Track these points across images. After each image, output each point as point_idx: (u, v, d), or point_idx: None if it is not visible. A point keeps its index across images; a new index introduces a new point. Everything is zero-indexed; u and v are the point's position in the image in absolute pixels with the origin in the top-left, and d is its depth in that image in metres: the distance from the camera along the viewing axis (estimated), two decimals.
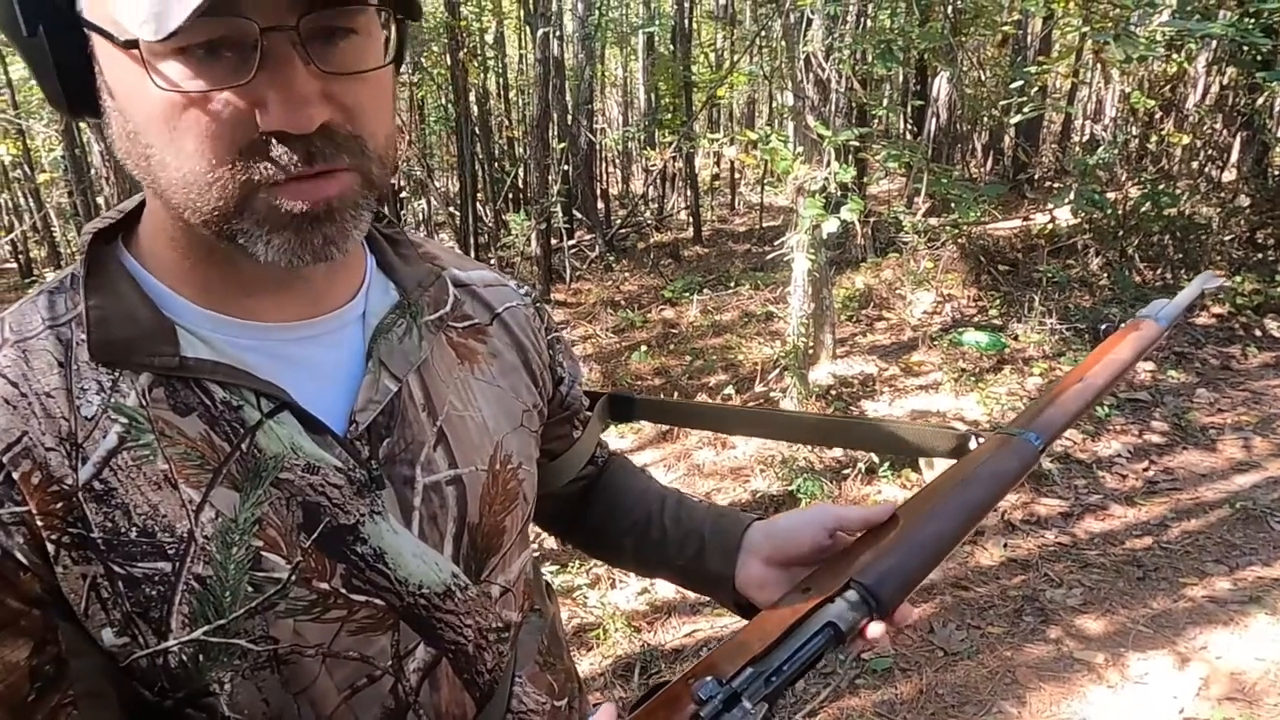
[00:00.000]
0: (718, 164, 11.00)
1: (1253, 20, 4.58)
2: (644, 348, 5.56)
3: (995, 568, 3.05)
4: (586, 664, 2.69)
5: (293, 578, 0.59)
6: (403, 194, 8.22)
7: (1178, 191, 5.72)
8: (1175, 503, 3.38)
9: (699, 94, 8.89)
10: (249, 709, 0.60)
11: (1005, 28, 6.55)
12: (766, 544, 0.79)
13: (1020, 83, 4.93)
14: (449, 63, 6.87)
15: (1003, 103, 5.50)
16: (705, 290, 6.68)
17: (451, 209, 7.66)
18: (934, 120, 7.34)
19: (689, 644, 2.75)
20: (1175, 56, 5.58)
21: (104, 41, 0.50)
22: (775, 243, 4.66)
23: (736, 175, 11.17)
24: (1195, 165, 6.25)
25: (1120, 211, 5.68)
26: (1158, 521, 3.27)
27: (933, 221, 5.97)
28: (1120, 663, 2.53)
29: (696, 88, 9.00)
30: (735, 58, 9.08)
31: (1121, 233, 5.68)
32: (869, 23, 6.14)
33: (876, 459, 3.63)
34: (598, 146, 9.58)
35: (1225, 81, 6.05)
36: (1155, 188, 5.55)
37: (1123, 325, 0.89)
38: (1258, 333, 4.90)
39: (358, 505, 0.62)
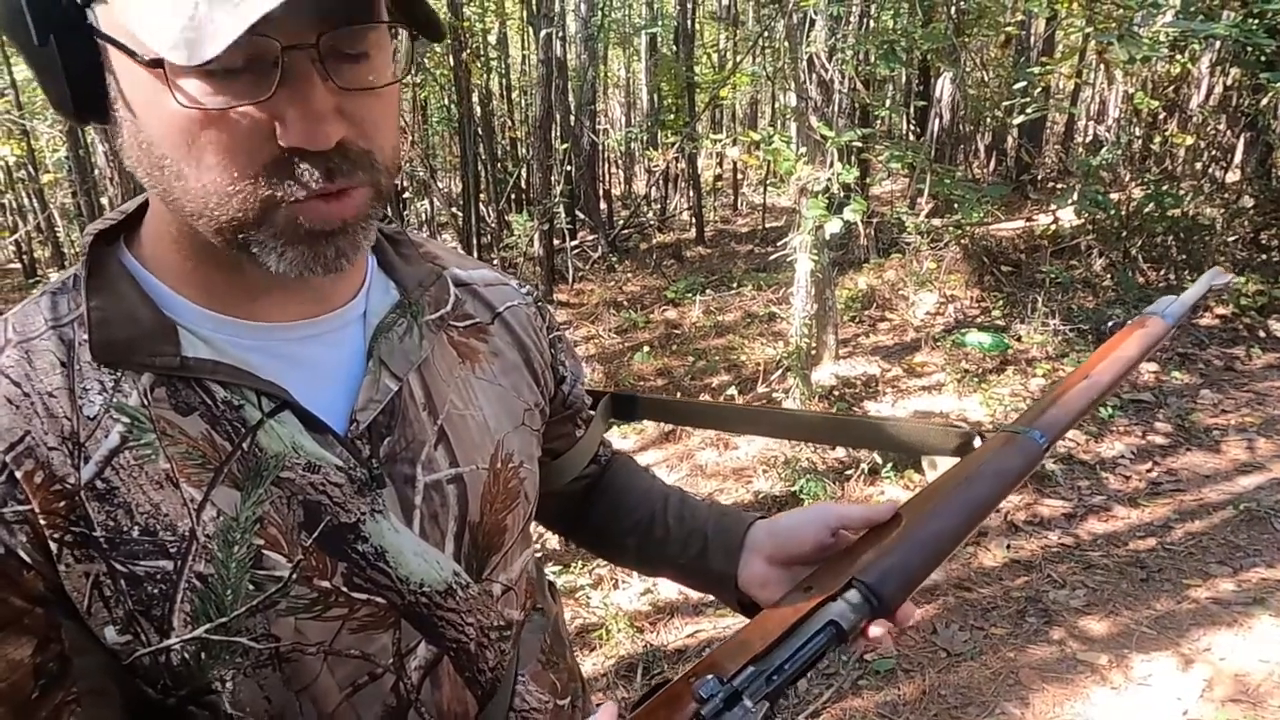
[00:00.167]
0: (720, 165, 11.00)
1: (1256, 21, 4.58)
2: (647, 348, 5.56)
3: (998, 569, 3.05)
4: (589, 664, 2.69)
5: (294, 576, 0.59)
6: (405, 194, 8.23)
7: (1181, 192, 5.71)
8: (1179, 504, 3.37)
9: (702, 95, 8.89)
10: (251, 707, 0.60)
11: (1008, 28, 6.54)
12: (769, 542, 0.79)
13: (1023, 83, 4.93)
14: (452, 63, 6.87)
15: (1006, 103, 5.50)
16: (708, 291, 6.68)
17: (454, 209, 7.67)
18: (937, 121, 7.33)
19: (692, 644, 2.75)
20: (1179, 57, 5.58)
21: (120, 54, 0.50)
22: (778, 243, 4.66)
23: (739, 176, 11.17)
24: (1199, 166, 6.24)
25: (1123, 212, 5.67)
26: (1161, 523, 3.26)
27: (936, 222, 5.96)
28: (1124, 664, 2.53)
29: (699, 88, 9.00)
30: (738, 58, 9.08)
31: (1125, 234, 5.67)
32: (872, 23, 6.14)
33: (880, 460, 3.63)
34: (600, 147, 9.59)
35: (1229, 82, 6.04)
36: (1159, 189, 5.54)
37: (1129, 323, 0.88)
38: (1261, 334, 4.89)
39: (358, 504, 0.62)
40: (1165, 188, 5.61)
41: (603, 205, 9.29)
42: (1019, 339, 4.88)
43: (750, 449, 3.96)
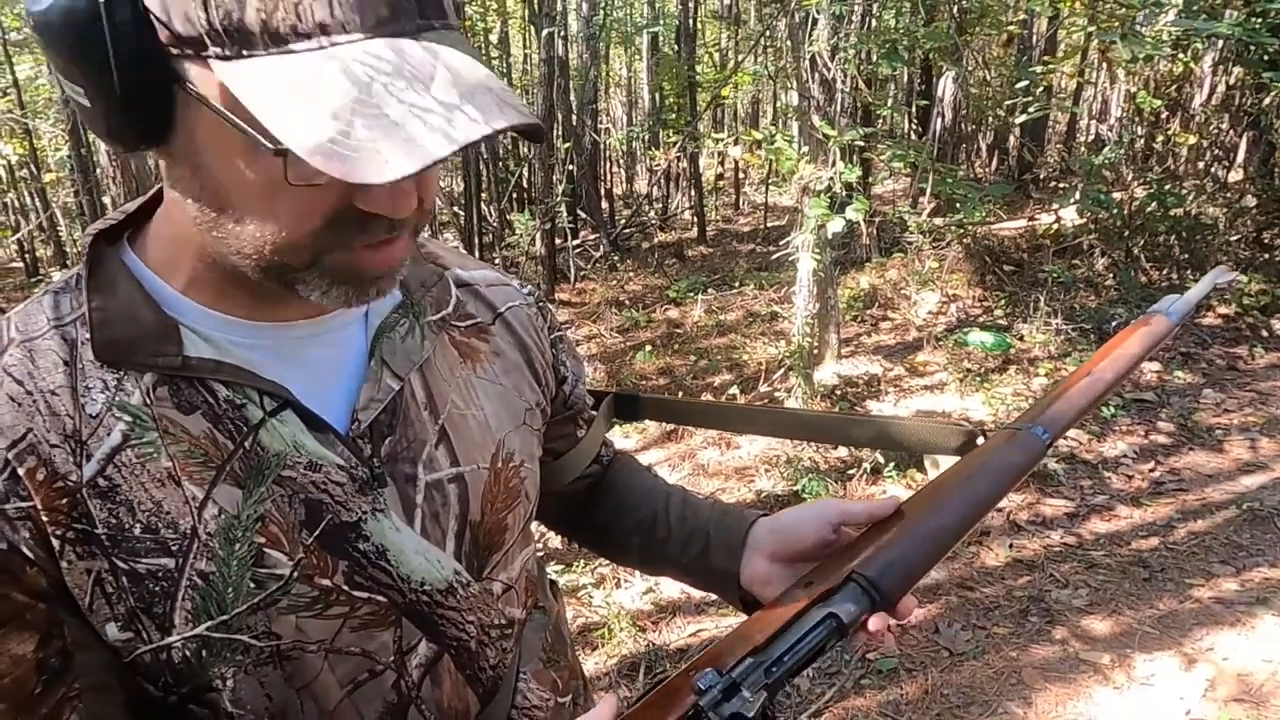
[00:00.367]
0: (722, 164, 10.99)
1: (1260, 20, 4.57)
2: (648, 347, 5.56)
3: (1001, 568, 3.05)
4: (591, 663, 2.69)
5: (295, 574, 0.59)
6: None
7: (1184, 192, 5.70)
8: (1181, 503, 3.37)
9: (703, 94, 8.88)
10: (251, 704, 0.61)
11: (1010, 27, 6.54)
12: (771, 540, 0.79)
13: (1025, 82, 4.92)
14: None
15: (1008, 102, 5.49)
16: (710, 290, 6.68)
17: (456, 209, 7.67)
18: (939, 120, 7.32)
19: (694, 643, 2.75)
20: (1181, 56, 5.57)
21: (209, 112, 0.48)
22: (780, 242, 4.66)
23: (741, 175, 11.16)
24: (1201, 165, 6.24)
25: (1126, 212, 5.67)
26: (1164, 522, 3.26)
27: (938, 221, 5.96)
28: (1126, 664, 2.52)
29: (701, 87, 8.99)
30: (740, 57, 9.07)
31: (1127, 233, 5.66)
32: (874, 22, 6.13)
33: (882, 459, 3.63)
34: (602, 146, 9.59)
35: (1231, 81, 6.04)
36: (1161, 188, 5.53)
37: (1133, 321, 0.88)
38: (1264, 333, 4.88)
39: (360, 503, 0.62)
40: (1168, 187, 5.61)
41: (604, 204, 9.29)
42: (1021, 338, 4.87)
43: (752, 448, 3.96)
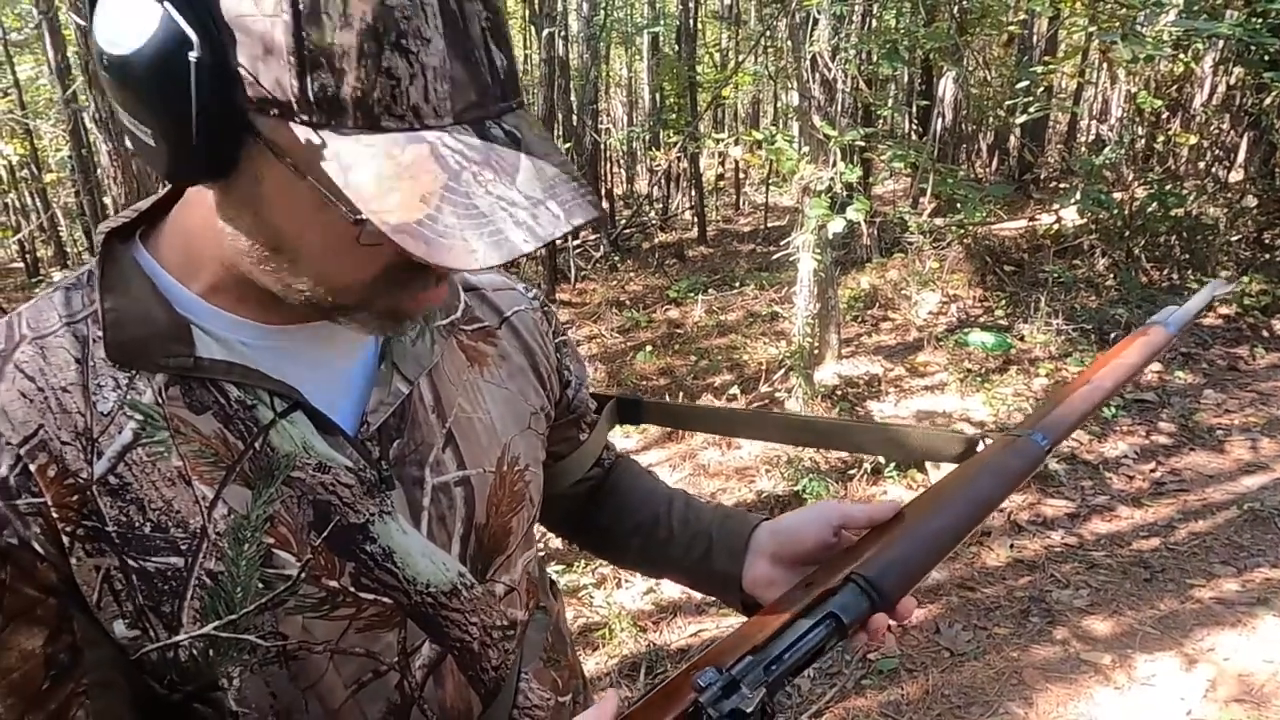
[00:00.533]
0: (722, 164, 10.99)
1: (1260, 20, 4.57)
2: (649, 348, 5.56)
3: (1002, 568, 3.05)
4: (592, 664, 2.70)
5: (302, 575, 0.60)
6: None
7: (1184, 192, 5.70)
8: (1182, 504, 3.37)
9: (704, 94, 8.88)
10: (256, 703, 0.61)
11: (1011, 27, 6.54)
12: (772, 542, 0.79)
13: (1026, 83, 4.92)
14: None
15: (1008, 103, 5.49)
16: (710, 290, 6.68)
17: None
18: (939, 120, 7.32)
19: (694, 643, 2.75)
20: (1182, 56, 5.56)
21: (285, 167, 0.49)
22: (780, 243, 4.66)
23: (741, 175, 11.17)
24: (1202, 165, 6.24)
25: (1126, 212, 5.66)
26: (1165, 523, 3.26)
27: (938, 222, 5.96)
28: (1127, 664, 2.53)
29: (701, 88, 8.99)
30: (740, 58, 9.07)
31: (1128, 233, 5.66)
32: (875, 23, 6.13)
33: (883, 459, 3.63)
34: (602, 147, 9.59)
35: (1232, 81, 6.04)
36: (1162, 188, 5.54)
37: (1132, 330, 0.89)
38: (1265, 333, 4.88)
39: (367, 505, 0.62)
40: (1168, 187, 5.61)
41: (605, 204, 9.29)
42: (1022, 339, 4.87)
43: (753, 448, 3.96)
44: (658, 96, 9.97)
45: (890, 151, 5.09)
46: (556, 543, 3.28)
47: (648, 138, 10.44)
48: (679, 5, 9.16)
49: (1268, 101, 5.77)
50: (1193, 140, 6.09)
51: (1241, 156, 6.41)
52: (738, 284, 6.73)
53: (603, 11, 8.77)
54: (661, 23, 9.92)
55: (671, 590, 2.99)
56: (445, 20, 0.46)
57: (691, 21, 9.07)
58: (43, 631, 0.54)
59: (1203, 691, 2.40)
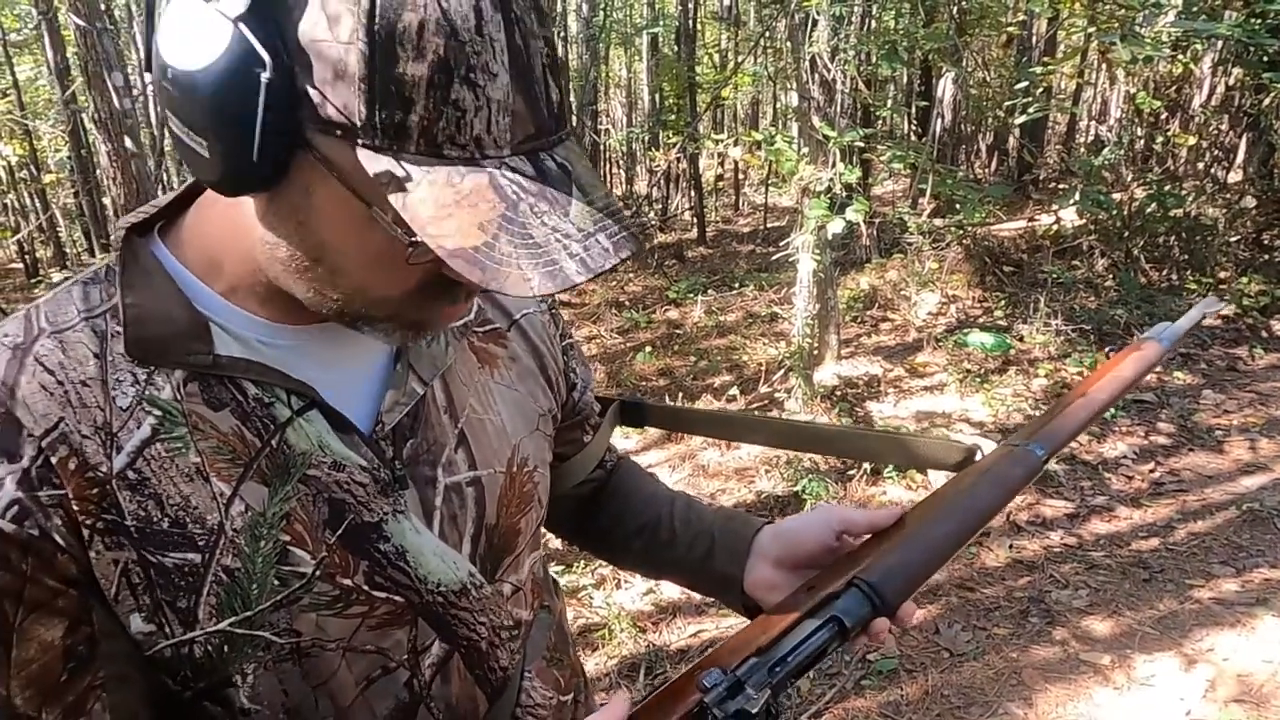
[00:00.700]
0: (722, 165, 11.00)
1: (1259, 21, 4.58)
2: (648, 348, 5.57)
3: (1001, 569, 3.05)
4: (592, 664, 2.70)
5: (317, 573, 0.60)
6: None
7: (1183, 192, 5.71)
8: (1181, 504, 3.37)
9: (703, 95, 8.88)
10: (268, 700, 0.61)
11: (1010, 28, 6.54)
12: (775, 546, 0.80)
13: (1025, 83, 4.92)
14: None
15: (1007, 103, 5.49)
16: (710, 291, 6.68)
17: None
18: (939, 121, 7.33)
19: (694, 644, 2.75)
20: (1181, 57, 5.57)
21: (339, 185, 0.50)
22: (780, 243, 4.66)
23: (741, 176, 11.17)
24: (1201, 166, 6.24)
25: (1125, 213, 5.67)
26: (1164, 523, 3.26)
27: (937, 222, 5.96)
28: (1126, 664, 2.53)
29: (701, 88, 8.99)
30: (739, 58, 9.07)
31: (1127, 234, 5.67)
32: (874, 23, 6.14)
33: (878, 462, 3.63)
34: (602, 147, 9.59)
35: (1231, 82, 6.04)
36: (1161, 189, 5.54)
37: (1126, 345, 0.92)
38: (1264, 334, 4.89)
39: (381, 504, 0.63)
40: (1167, 188, 5.61)
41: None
42: (1021, 339, 4.88)
43: (752, 449, 3.96)
44: (657, 97, 9.97)
45: (889, 152, 5.09)
46: (556, 543, 3.28)
47: (647, 138, 10.43)
48: (678, 6, 9.16)
49: (1266, 102, 5.78)
50: (1191, 141, 6.09)
51: (1240, 157, 6.42)
52: (737, 285, 6.73)
53: (602, 12, 8.78)
54: (661, 23, 9.92)
55: (671, 591, 2.99)
56: (511, 55, 0.48)
57: (691, 22, 9.07)
58: (62, 623, 0.54)
59: (1202, 692, 2.40)
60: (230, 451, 0.58)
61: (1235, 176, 6.41)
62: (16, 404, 0.54)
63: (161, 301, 0.58)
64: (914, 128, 8.62)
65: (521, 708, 0.76)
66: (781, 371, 4.56)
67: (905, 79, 9.35)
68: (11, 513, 0.52)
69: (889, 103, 7.55)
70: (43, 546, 0.53)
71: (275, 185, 0.51)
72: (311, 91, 0.47)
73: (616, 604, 2.95)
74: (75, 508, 0.54)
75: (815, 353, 4.42)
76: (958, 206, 5.01)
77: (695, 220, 8.90)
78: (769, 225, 8.90)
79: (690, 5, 8.91)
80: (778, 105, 11.71)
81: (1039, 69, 4.95)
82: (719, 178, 11.16)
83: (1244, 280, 5.25)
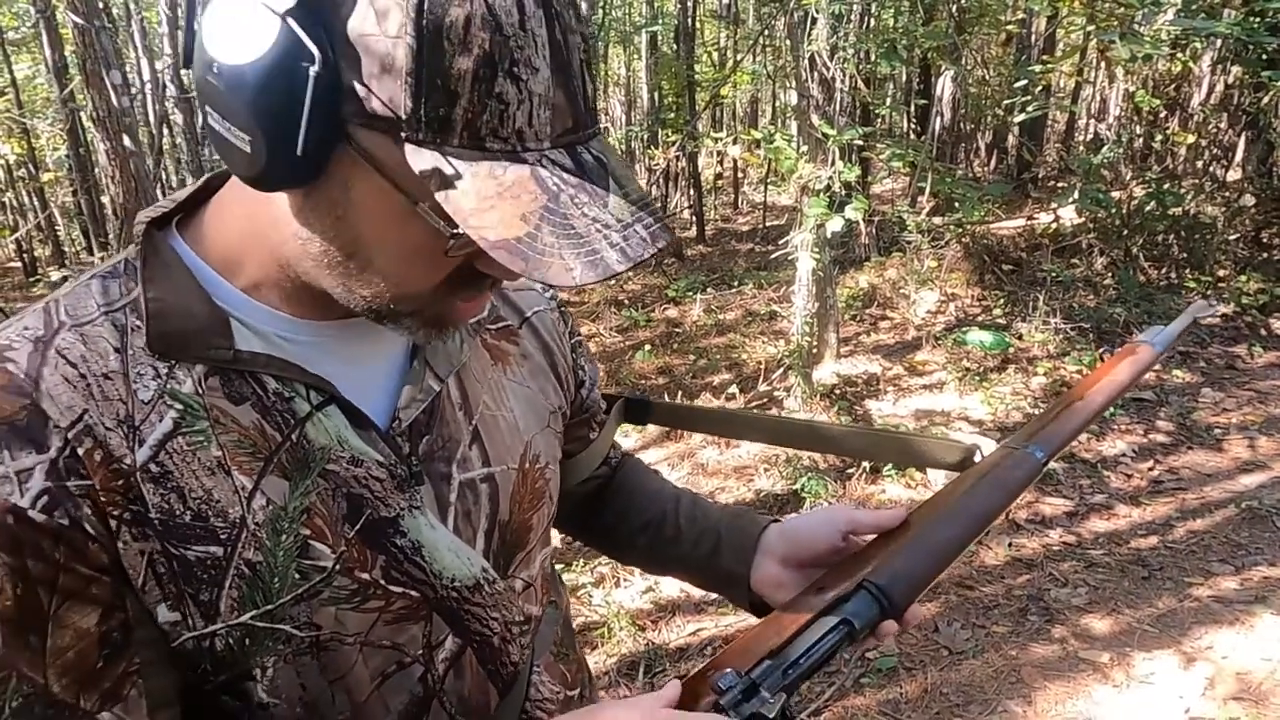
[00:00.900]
0: (721, 163, 11.00)
1: (1258, 19, 4.58)
2: (647, 347, 5.57)
3: (1000, 567, 3.05)
4: (591, 663, 2.70)
5: (337, 567, 0.61)
6: None
7: (1182, 191, 5.71)
8: (1180, 502, 3.38)
9: (702, 93, 8.88)
10: (286, 694, 0.62)
11: (1009, 26, 6.55)
12: (782, 544, 0.81)
13: (1024, 82, 4.93)
14: None
15: (1006, 102, 5.49)
16: (709, 289, 6.69)
17: None
18: (938, 119, 7.33)
19: (693, 642, 2.75)
20: (1180, 55, 5.57)
21: (380, 178, 0.50)
22: (779, 242, 4.66)
23: (740, 174, 11.17)
24: (1200, 164, 6.24)
25: (1125, 211, 5.67)
26: (1163, 521, 3.27)
27: (937, 221, 5.96)
28: (1126, 662, 2.53)
29: (700, 87, 8.99)
30: (739, 57, 9.07)
31: (1126, 232, 5.67)
32: (873, 21, 6.14)
33: (879, 460, 3.63)
34: None
35: (1230, 80, 6.04)
36: (1160, 187, 5.54)
37: (1120, 348, 0.94)
38: (1263, 332, 4.89)
39: (398, 499, 0.64)
40: (1166, 186, 5.61)
41: None
42: (1020, 337, 4.88)
43: (751, 447, 3.96)
44: (656, 95, 9.96)
45: (888, 150, 5.09)
46: (556, 540, 3.27)
47: (646, 136, 10.42)
48: (677, 4, 9.16)
49: (1265, 100, 5.78)
50: (1190, 139, 6.09)
51: (1239, 155, 6.42)
52: (736, 283, 6.73)
53: (601, 10, 8.77)
54: (659, 21, 9.92)
55: (670, 590, 2.99)
56: (552, 50, 0.49)
57: (690, 20, 9.06)
58: (96, 610, 0.54)
59: (1201, 689, 2.40)
60: (251, 445, 0.59)
61: (1234, 175, 6.41)
62: (41, 396, 0.54)
63: (182, 296, 0.59)
64: (913, 126, 8.62)
65: (531, 701, 0.77)
66: (781, 370, 4.57)
67: (904, 77, 9.36)
68: (42, 502, 0.52)
69: (888, 101, 7.55)
70: (74, 536, 0.53)
71: (314, 180, 0.52)
72: (357, 86, 0.48)
73: (615, 602, 2.95)
74: (102, 499, 0.54)
75: (814, 351, 4.42)
76: (957, 205, 5.02)
77: (694, 219, 8.90)
78: (768, 224, 8.90)
79: (689, 3, 8.90)
80: (777, 103, 11.71)
81: (1038, 67, 4.95)
82: (718, 176, 11.16)
83: (1243, 278, 5.25)
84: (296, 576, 0.59)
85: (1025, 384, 4.40)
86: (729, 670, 0.60)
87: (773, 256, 5.38)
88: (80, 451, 0.54)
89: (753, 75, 9.52)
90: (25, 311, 0.59)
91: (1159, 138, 6.40)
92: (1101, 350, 4.63)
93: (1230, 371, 4.52)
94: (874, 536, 0.76)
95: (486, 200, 0.48)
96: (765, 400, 4.50)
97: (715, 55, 10.68)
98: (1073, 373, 4.44)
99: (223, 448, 0.58)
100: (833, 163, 4.09)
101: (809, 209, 3.86)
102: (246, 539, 0.58)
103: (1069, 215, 5.96)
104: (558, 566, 2.93)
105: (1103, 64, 5.21)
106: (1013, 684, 2.48)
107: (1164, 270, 5.61)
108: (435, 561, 0.65)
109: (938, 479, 3.46)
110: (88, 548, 0.53)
